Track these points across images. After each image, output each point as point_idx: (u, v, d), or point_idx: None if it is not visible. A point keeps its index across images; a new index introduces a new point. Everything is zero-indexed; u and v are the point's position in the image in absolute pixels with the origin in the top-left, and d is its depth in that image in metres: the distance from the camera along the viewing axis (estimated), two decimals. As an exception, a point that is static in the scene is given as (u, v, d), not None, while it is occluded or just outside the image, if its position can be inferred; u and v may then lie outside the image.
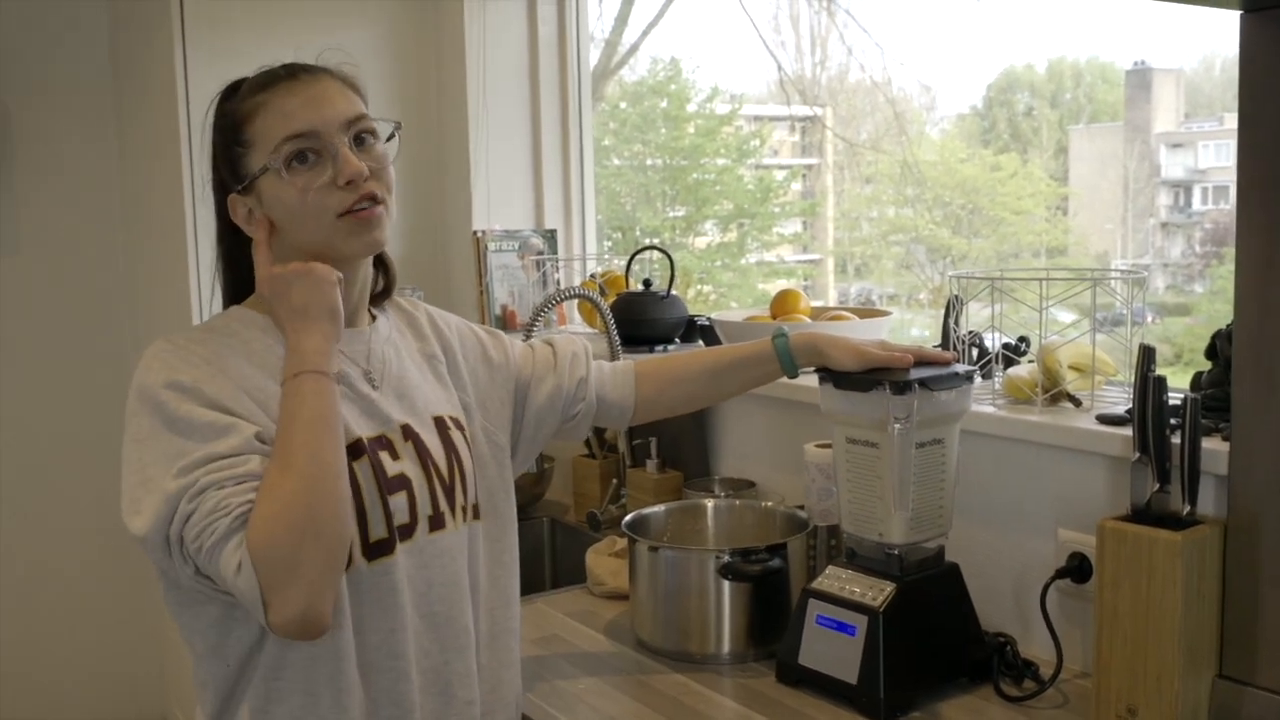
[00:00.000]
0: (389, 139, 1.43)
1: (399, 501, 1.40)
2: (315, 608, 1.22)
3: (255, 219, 1.40)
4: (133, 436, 1.30)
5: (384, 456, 1.40)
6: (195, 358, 1.32)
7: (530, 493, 2.66)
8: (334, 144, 1.35)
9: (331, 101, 1.37)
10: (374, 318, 1.51)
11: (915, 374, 1.60)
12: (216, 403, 1.29)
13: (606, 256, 3.17)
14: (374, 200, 1.37)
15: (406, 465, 1.42)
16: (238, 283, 1.48)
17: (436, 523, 1.44)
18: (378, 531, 1.37)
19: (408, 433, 1.44)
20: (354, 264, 1.43)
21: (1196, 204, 5.52)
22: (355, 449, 1.37)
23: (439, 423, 1.49)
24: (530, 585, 1.77)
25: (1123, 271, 1.86)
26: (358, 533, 1.34)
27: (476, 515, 1.52)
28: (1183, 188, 5.52)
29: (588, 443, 2.65)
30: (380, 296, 1.54)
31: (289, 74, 1.38)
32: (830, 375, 1.67)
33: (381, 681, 1.39)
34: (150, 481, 1.26)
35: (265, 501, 1.22)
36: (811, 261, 7.37)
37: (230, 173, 1.40)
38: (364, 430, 1.40)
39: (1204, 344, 1.69)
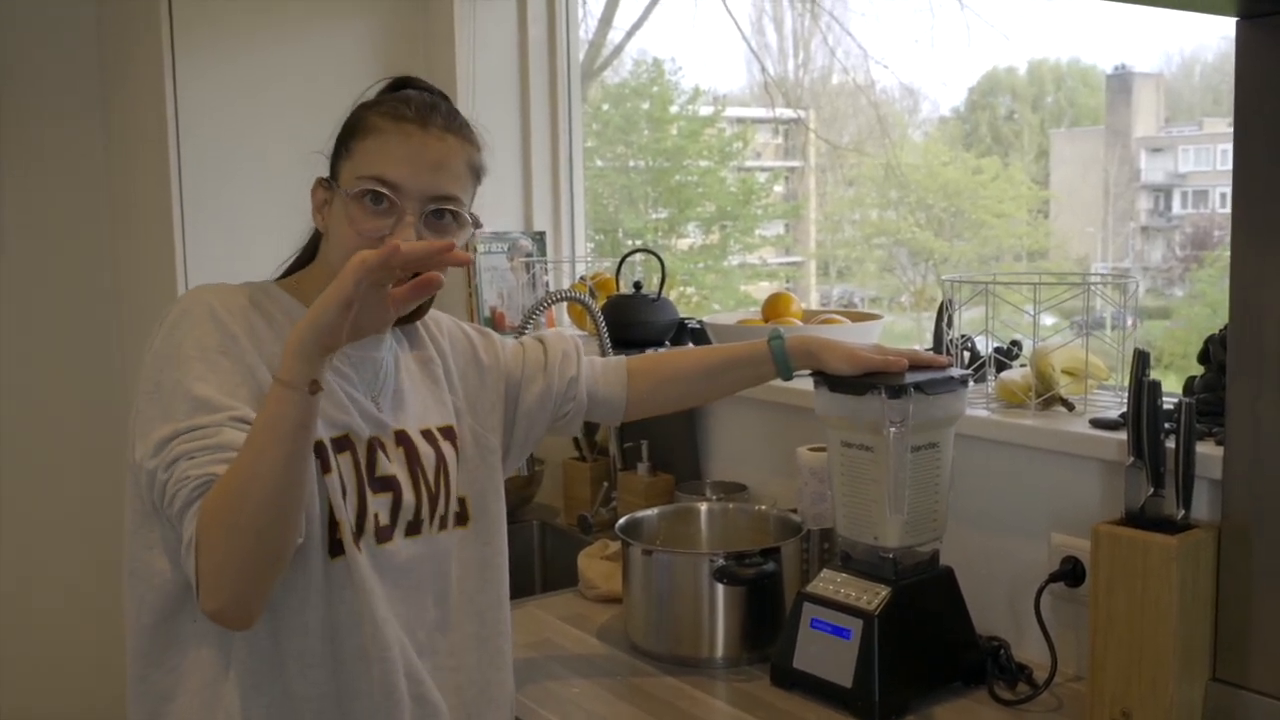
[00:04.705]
0: (471, 230, 1.45)
1: (382, 501, 1.42)
2: (234, 611, 1.25)
3: (324, 214, 1.44)
4: (154, 380, 1.32)
5: (380, 457, 1.42)
6: (233, 326, 1.36)
7: (520, 495, 2.65)
8: (405, 207, 1.36)
9: (435, 168, 1.38)
10: None
11: (910, 378, 1.61)
12: (226, 379, 1.32)
13: (589, 260, 3.17)
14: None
15: (397, 469, 1.44)
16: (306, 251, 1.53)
17: (413, 529, 1.46)
18: (347, 525, 1.38)
19: (401, 438, 1.46)
20: None
21: (1176, 208, 5.56)
22: (342, 442, 1.40)
23: (428, 434, 1.51)
24: (520, 589, 1.77)
25: (1115, 276, 1.87)
26: (322, 526, 1.36)
27: (459, 522, 1.53)
28: (1163, 192, 5.57)
29: (578, 444, 2.65)
30: (410, 316, 1.53)
31: (419, 118, 1.38)
32: (825, 379, 1.67)
33: (373, 671, 1.40)
34: (147, 437, 1.29)
35: (215, 493, 1.23)
36: (794, 264, 7.40)
37: (331, 162, 1.45)
38: (360, 431, 1.42)
39: (1184, 347, 1.70)
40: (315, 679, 1.38)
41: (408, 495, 1.45)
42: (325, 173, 1.46)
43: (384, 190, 1.36)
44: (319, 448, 1.36)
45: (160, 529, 1.35)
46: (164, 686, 1.38)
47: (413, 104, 1.40)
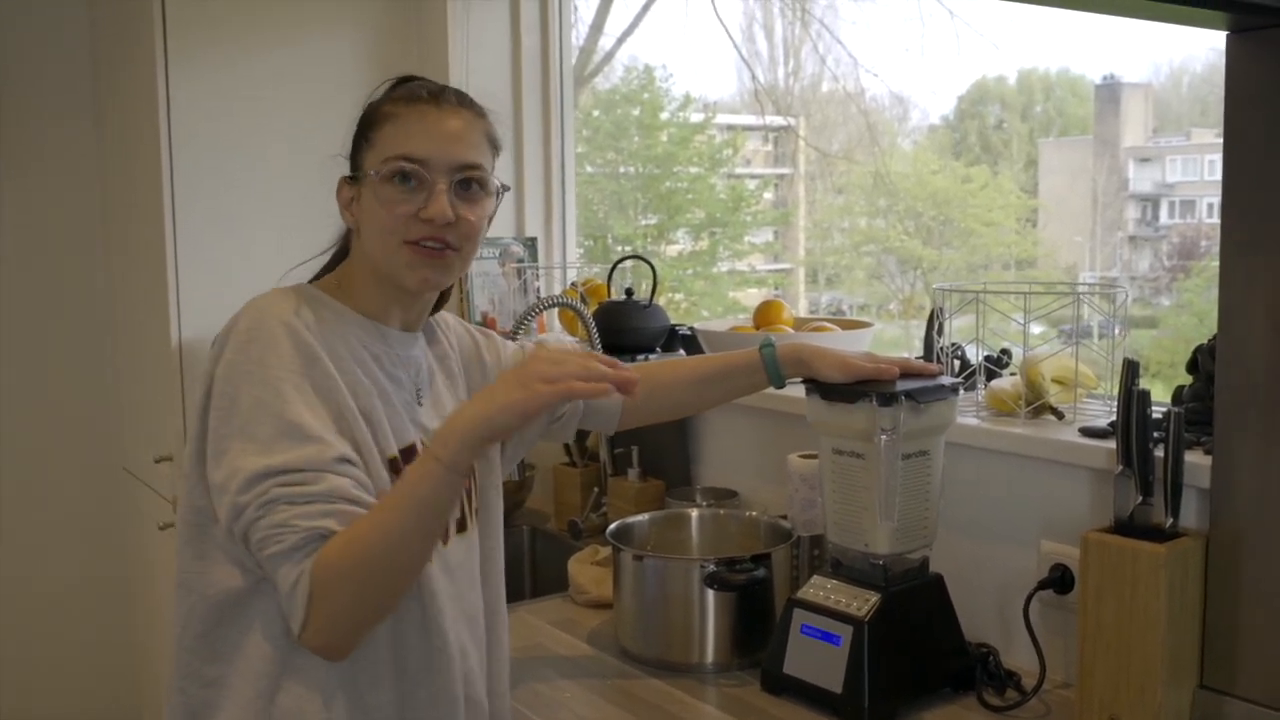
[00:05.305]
0: (497, 196, 1.46)
1: None
2: (340, 647, 1.30)
3: (349, 207, 1.45)
4: (229, 395, 1.29)
5: None
6: (314, 345, 1.33)
7: (511, 500, 2.64)
8: (434, 180, 1.38)
9: (456, 139, 1.40)
10: None
11: (902, 386, 1.62)
12: (319, 402, 1.31)
13: (580, 266, 3.18)
14: (444, 244, 1.40)
15: None
16: (338, 253, 1.52)
17: (460, 525, 1.49)
18: None
19: None
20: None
21: (1164, 218, 5.58)
22: (408, 453, 1.40)
23: None
24: (510, 593, 1.77)
25: (1104, 285, 1.88)
26: None
27: (475, 516, 1.56)
28: (1150, 202, 5.59)
29: (568, 450, 2.65)
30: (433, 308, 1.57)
31: (432, 97, 1.41)
32: (817, 386, 1.68)
33: (437, 680, 1.42)
34: (225, 457, 1.28)
35: (346, 549, 1.24)
36: (783, 271, 7.41)
37: (351, 159, 1.45)
38: (418, 439, 1.44)
39: (1171, 356, 1.71)
40: (383, 688, 1.39)
41: None
42: (328, 175, 1.47)
43: (412, 166, 1.38)
44: (394, 465, 1.38)
45: (217, 538, 1.34)
46: (202, 698, 1.37)
47: (424, 87, 1.43)
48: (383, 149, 1.40)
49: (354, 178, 1.44)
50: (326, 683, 1.35)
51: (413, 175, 1.38)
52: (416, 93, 1.42)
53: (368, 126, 1.43)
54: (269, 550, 1.25)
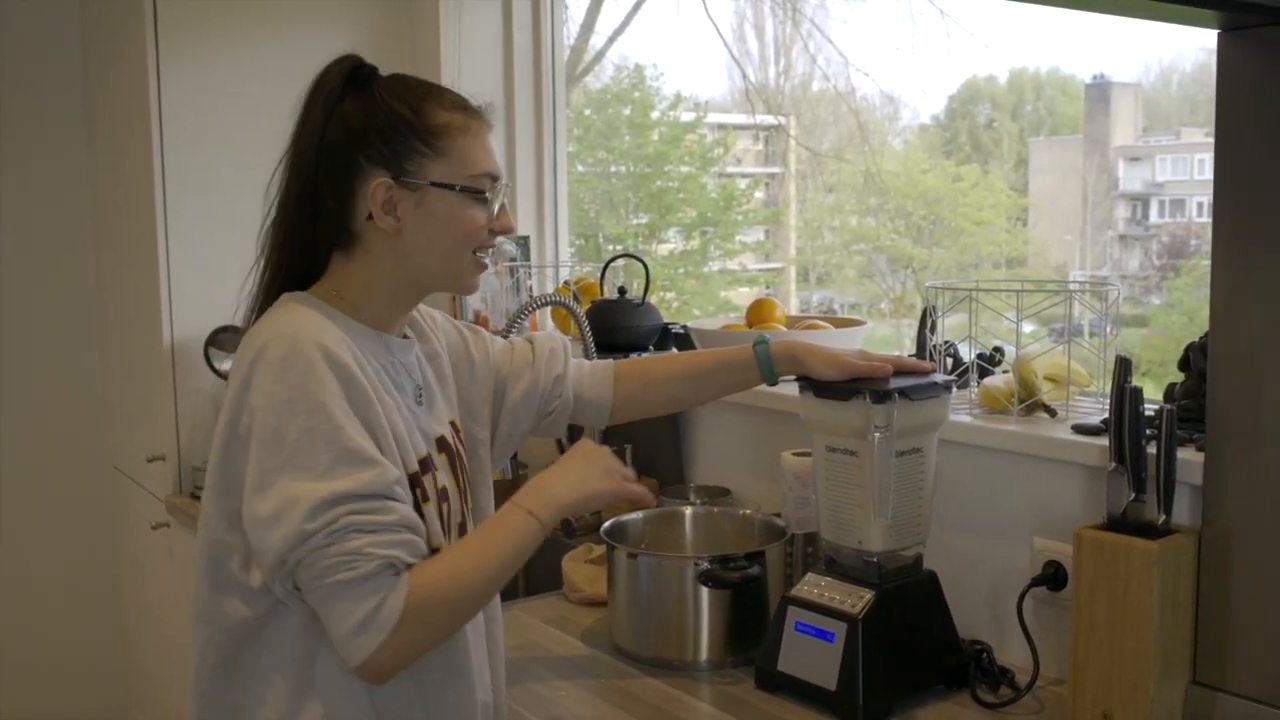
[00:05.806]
0: None
1: (445, 511, 1.45)
2: (396, 672, 1.31)
3: (392, 212, 1.39)
4: (273, 426, 1.26)
5: (437, 471, 1.45)
6: (349, 365, 1.31)
7: (504, 499, 2.64)
8: (503, 194, 1.45)
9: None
10: None
11: (895, 383, 1.62)
12: (361, 426, 1.30)
13: (572, 265, 3.18)
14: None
15: (444, 477, 1.47)
16: (294, 260, 1.44)
17: (463, 528, 1.50)
18: (435, 541, 1.40)
19: (442, 444, 1.49)
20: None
21: (1154, 217, 5.60)
22: (425, 464, 1.42)
23: (454, 427, 1.54)
24: (504, 592, 1.77)
25: (1095, 284, 1.89)
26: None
27: (472, 515, 1.57)
28: (1140, 201, 5.61)
29: (561, 448, 2.65)
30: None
31: (481, 117, 1.44)
32: (811, 384, 1.68)
33: (459, 685, 1.45)
34: (274, 488, 1.25)
35: (444, 582, 1.30)
36: (774, 270, 7.42)
37: (388, 157, 1.38)
38: (426, 450, 1.44)
39: (1161, 354, 1.72)
40: (404, 699, 1.39)
41: (455, 500, 1.48)
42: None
43: (499, 183, 1.44)
44: (415, 479, 1.38)
45: (232, 569, 1.34)
46: None
47: (464, 98, 1.45)
48: (463, 163, 1.40)
49: (409, 183, 1.38)
50: (347, 700, 1.35)
51: (497, 190, 1.43)
52: (466, 105, 1.43)
53: (428, 134, 1.38)
54: (336, 577, 1.24)
